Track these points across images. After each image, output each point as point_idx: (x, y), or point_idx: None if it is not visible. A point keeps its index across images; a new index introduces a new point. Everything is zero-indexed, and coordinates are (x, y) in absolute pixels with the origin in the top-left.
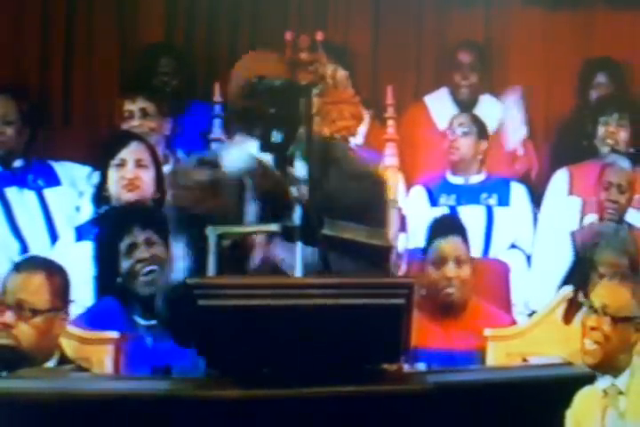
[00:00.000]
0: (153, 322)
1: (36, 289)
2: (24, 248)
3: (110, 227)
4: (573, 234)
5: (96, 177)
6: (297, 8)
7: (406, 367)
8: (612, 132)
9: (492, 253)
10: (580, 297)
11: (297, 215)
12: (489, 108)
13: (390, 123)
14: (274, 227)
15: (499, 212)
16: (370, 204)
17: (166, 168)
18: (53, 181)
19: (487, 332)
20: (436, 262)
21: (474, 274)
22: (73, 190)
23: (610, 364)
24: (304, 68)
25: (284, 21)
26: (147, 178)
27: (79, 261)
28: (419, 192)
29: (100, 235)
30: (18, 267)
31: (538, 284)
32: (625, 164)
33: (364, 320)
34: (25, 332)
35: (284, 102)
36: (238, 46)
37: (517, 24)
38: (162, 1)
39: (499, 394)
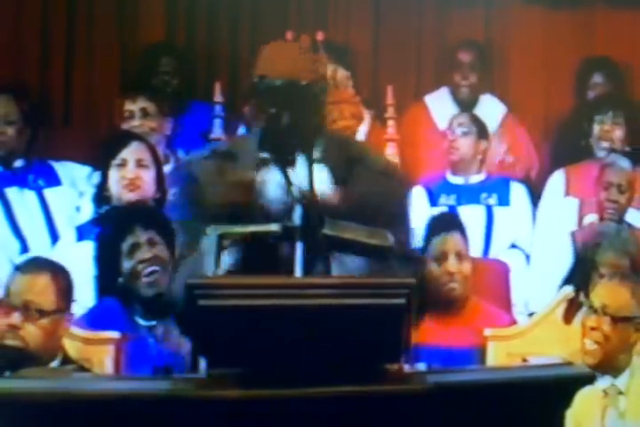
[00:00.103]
0: (154, 322)
1: (42, 290)
2: (24, 248)
3: (112, 227)
4: (574, 234)
5: (97, 177)
6: (297, 8)
7: (407, 367)
8: (606, 130)
9: (492, 253)
10: (581, 297)
11: (297, 215)
12: (489, 108)
13: (391, 123)
14: (274, 227)
15: (499, 212)
16: (397, 203)
17: (167, 168)
18: (54, 180)
19: (487, 332)
20: (437, 258)
21: (474, 273)
22: (73, 190)
23: (610, 364)
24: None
25: (284, 21)
26: (147, 178)
27: (80, 262)
28: (419, 192)
29: (101, 235)
30: (22, 268)
31: (538, 284)
32: (625, 163)
33: (364, 320)
34: (32, 333)
35: (284, 102)
36: (238, 46)
37: (517, 24)
38: (162, 1)
39: (499, 394)
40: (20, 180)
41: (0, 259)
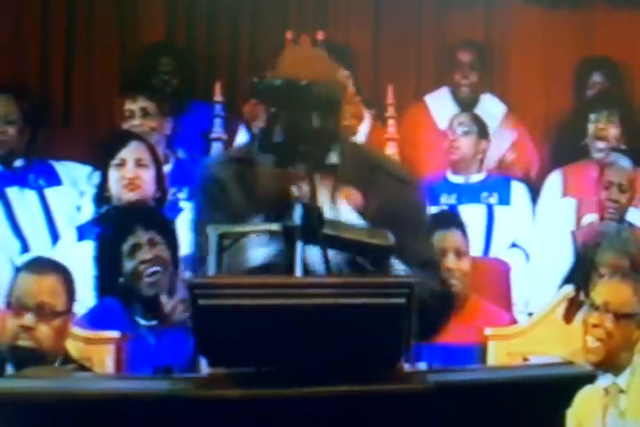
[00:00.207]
0: (154, 322)
1: (55, 291)
2: (25, 248)
3: (113, 227)
4: (574, 233)
5: (97, 177)
6: (297, 8)
7: (407, 367)
8: (601, 129)
9: (493, 253)
10: (581, 296)
11: (297, 215)
12: (489, 108)
13: (391, 122)
14: (274, 226)
15: (499, 211)
16: (418, 210)
17: (167, 167)
18: (54, 180)
19: (488, 331)
20: None
21: (475, 272)
22: (74, 190)
23: (612, 361)
24: None
25: (284, 21)
26: (147, 177)
27: (80, 261)
28: None
29: (102, 235)
30: (31, 268)
31: (538, 283)
32: (625, 163)
33: (364, 320)
34: (45, 333)
35: (284, 102)
36: (238, 46)
37: (517, 24)
38: (162, 1)
39: (500, 394)
40: (21, 179)
41: (0, 259)
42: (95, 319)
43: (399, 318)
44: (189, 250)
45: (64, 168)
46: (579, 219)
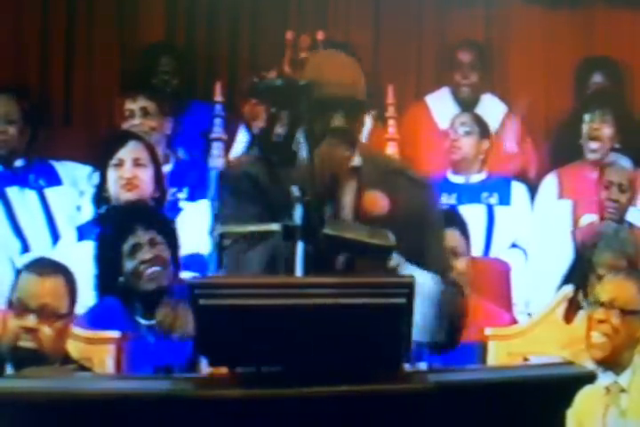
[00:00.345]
0: (154, 322)
1: (58, 293)
2: (25, 248)
3: (113, 227)
4: (574, 233)
5: (96, 177)
6: (297, 8)
7: (407, 366)
8: (595, 129)
9: (493, 253)
10: (579, 296)
11: (297, 215)
12: (490, 108)
13: (391, 122)
14: (275, 226)
15: (499, 211)
16: (435, 214)
17: (167, 167)
18: (54, 180)
19: (488, 331)
20: None
21: (474, 272)
22: (74, 190)
23: (616, 359)
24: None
25: (284, 21)
26: (145, 177)
27: (81, 261)
28: None
29: (102, 234)
30: (34, 269)
31: (538, 283)
32: (625, 163)
33: (364, 320)
34: (46, 334)
35: (285, 102)
36: (238, 46)
37: (517, 24)
38: (162, 1)
39: (500, 393)
40: (21, 179)
41: (1, 259)
42: (95, 319)
43: (399, 318)
44: (209, 248)
45: (64, 168)
46: (576, 220)
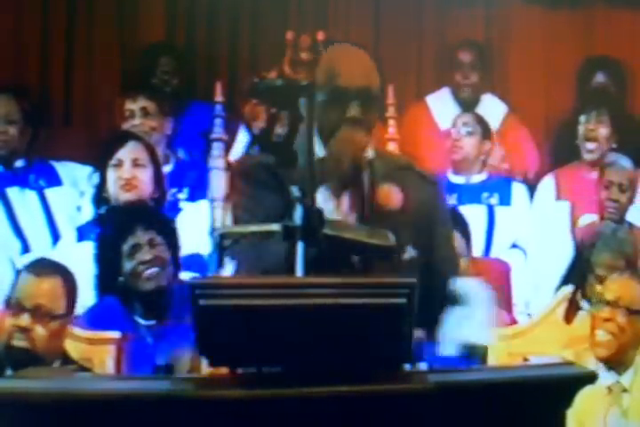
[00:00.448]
0: (154, 322)
1: (53, 294)
2: (25, 248)
3: (113, 227)
4: (574, 233)
5: (96, 178)
6: (297, 8)
7: (407, 367)
8: (591, 129)
9: (493, 253)
10: (578, 296)
11: (298, 215)
12: (490, 108)
13: (392, 122)
14: (275, 227)
15: (500, 211)
16: (445, 211)
17: (167, 168)
18: (55, 180)
19: None
20: None
21: (473, 272)
22: (74, 190)
23: (620, 357)
24: (305, 68)
25: (284, 21)
26: (144, 177)
27: (81, 262)
28: None
29: (102, 235)
30: (33, 270)
31: (539, 284)
32: (626, 162)
33: (364, 320)
34: (40, 334)
35: (285, 102)
36: (238, 46)
37: (517, 24)
38: (162, 1)
39: (500, 394)
40: (21, 180)
41: (0, 259)
42: (94, 319)
43: (400, 319)
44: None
45: (64, 168)
46: (575, 220)
